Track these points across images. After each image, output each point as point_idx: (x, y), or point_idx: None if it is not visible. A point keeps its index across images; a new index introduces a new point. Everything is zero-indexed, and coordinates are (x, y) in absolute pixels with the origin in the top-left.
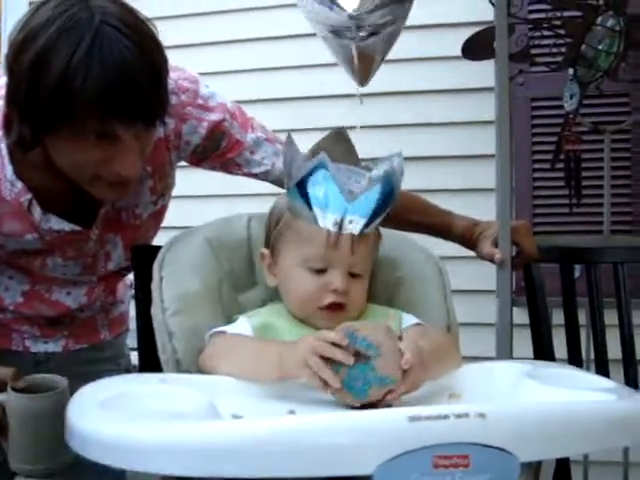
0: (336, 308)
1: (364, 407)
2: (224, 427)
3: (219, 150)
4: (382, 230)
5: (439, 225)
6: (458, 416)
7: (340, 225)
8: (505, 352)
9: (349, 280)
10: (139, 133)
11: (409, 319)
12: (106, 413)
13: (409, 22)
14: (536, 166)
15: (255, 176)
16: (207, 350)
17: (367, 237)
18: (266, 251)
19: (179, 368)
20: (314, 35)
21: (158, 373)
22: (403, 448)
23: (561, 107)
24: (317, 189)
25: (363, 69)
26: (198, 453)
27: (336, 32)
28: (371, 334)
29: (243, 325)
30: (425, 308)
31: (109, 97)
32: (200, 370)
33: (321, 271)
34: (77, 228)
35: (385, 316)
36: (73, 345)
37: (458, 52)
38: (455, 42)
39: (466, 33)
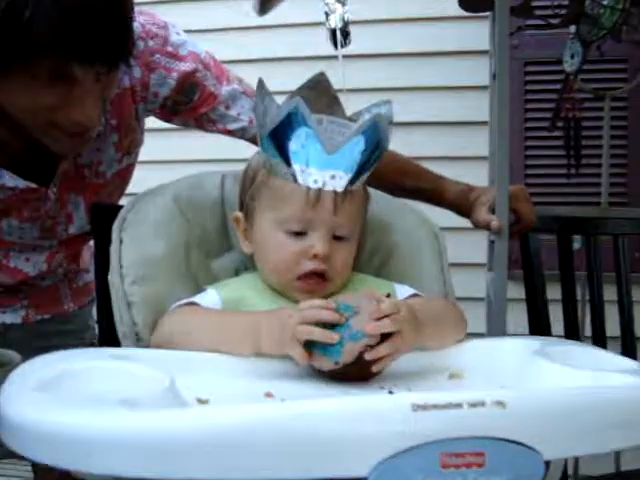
0: (316, 278)
1: (346, 376)
2: (187, 416)
3: (191, 104)
4: (371, 191)
5: (432, 190)
6: (472, 405)
7: (321, 181)
8: (500, 328)
9: (332, 244)
10: (100, 76)
11: (404, 290)
12: (41, 397)
13: None
14: (529, 134)
15: (231, 133)
16: (164, 326)
17: (353, 195)
18: (240, 214)
19: (139, 343)
20: None
21: (112, 348)
22: (405, 444)
23: (556, 72)
24: (293, 140)
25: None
26: (154, 450)
27: None
28: (351, 298)
29: (211, 297)
30: (419, 277)
31: (63, 31)
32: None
33: (300, 234)
34: (33, 186)
35: (374, 287)
36: (34, 316)
37: (452, 12)
38: None
39: None
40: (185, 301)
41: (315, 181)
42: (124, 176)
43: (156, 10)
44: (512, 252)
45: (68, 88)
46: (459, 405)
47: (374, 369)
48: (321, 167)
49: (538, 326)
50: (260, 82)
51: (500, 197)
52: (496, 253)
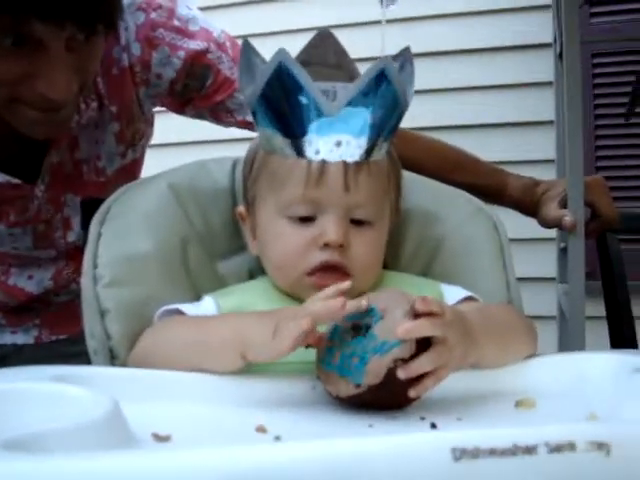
0: (333, 272)
1: (373, 404)
2: (108, 463)
3: (204, 90)
4: (406, 174)
5: (491, 186)
6: (555, 449)
7: (323, 151)
8: (578, 349)
9: (350, 230)
10: (73, 42)
11: (454, 292)
12: None
13: None
14: (599, 132)
15: (251, 125)
16: (144, 340)
17: (371, 166)
18: (242, 208)
19: (114, 361)
20: None
21: (67, 366)
22: None
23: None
24: (285, 103)
25: None
26: None
27: None
28: (377, 298)
29: (207, 306)
30: (473, 278)
31: None
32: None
33: (307, 220)
34: (14, 181)
35: (414, 288)
36: (48, 336)
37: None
38: None
39: None
40: (172, 307)
41: (317, 151)
42: (129, 174)
43: None
44: (587, 262)
45: (34, 56)
46: (531, 450)
47: (412, 393)
48: (322, 133)
49: (622, 348)
50: (246, 42)
51: (574, 187)
52: (570, 257)
